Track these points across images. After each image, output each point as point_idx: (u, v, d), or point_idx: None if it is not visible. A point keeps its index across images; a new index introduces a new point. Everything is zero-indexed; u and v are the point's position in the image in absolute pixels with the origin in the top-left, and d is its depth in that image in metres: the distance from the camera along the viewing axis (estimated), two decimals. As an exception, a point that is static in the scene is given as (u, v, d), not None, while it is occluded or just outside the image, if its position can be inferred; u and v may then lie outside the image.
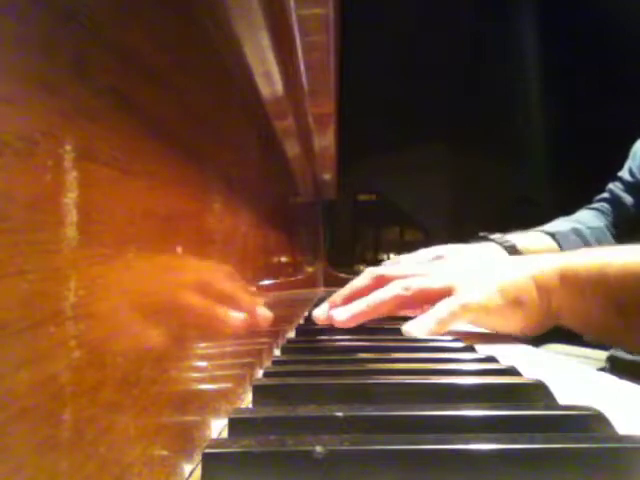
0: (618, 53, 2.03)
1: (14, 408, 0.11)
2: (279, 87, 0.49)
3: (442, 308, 0.49)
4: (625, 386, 0.35)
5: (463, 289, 0.50)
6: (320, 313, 0.53)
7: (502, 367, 0.35)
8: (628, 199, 0.84)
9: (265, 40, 0.39)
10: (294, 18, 0.41)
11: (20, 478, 0.12)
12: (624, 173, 0.86)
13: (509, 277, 0.51)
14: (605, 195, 0.90)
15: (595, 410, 0.24)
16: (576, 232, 0.82)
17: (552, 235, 0.81)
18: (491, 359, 0.38)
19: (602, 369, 0.75)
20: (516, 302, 0.50)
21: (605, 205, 0.89)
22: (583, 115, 2.13)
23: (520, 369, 0.34)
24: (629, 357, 0.71)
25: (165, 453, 0.20)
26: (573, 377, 0.38)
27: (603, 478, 0.20)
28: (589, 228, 0.84)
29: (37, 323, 0.12)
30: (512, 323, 0.51)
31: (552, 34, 2.35)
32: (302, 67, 0.51)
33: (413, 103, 2.35)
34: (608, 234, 0.86)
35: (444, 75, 2.45)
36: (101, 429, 0.15)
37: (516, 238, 0.77)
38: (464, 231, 0.96)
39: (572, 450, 0.20)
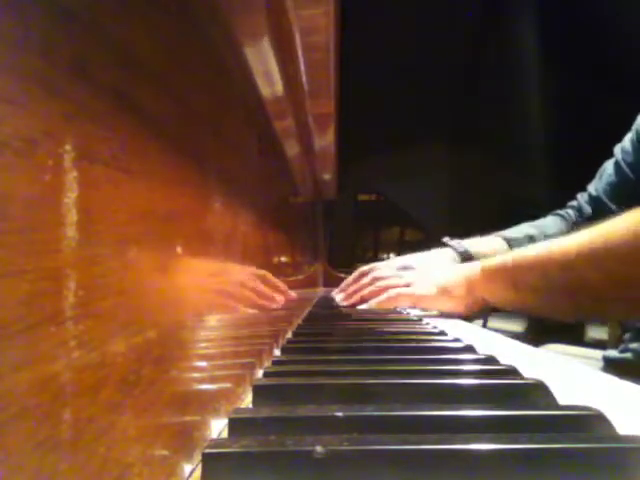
0: (618, 53, 2.03)
1: (14, 408, 0.11)
2: (279, 87, 0.49)
3: (384, 295, 0.81)
4: (625, 386, 0.35)
5: (414, 286, 0.81)
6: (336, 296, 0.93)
7: (502, 367, 0.35)
8: (587, 210, 0.94)
9: (265, 40, 0.39)
10: (294, 18, 0.41)
11: (20, 478, 0.12)
12: (590, 186, 0.94)
13: (447, 278, 0.78)
14: (573, 203, 1.00)
15: (595, 410, 0.24)
16: (530, 239, 0.94)
17: (508, 241, 0.95)
18: (491, 359, 0.38)
19: (602, 369, 0.77)
20: (445, 292, 0.77)
21: (570, 212, 1.00)
22: (583, 115, 2.13)
23: (520, 369, 0.34)
24: (619, 356, 0.79)
25: (165, 453, 0.20)
26: (573, 377, 0.38)
27: (603, 478, 0.20)
28: (546, 236, 0.93)
29: (37, 323, 0.12)
30: (443, 305, 0.79)
31: (552, 34, 2.35)
32: (302, 67, 0.51)
33: (413, 103, 2.35)
34: None
35: (444, 75, 2.45)
36: (101, 429, 0.15)
37: (471, 243, 0.96)
38: (464, 231, 0.98)
39: (572, 450, 0.20)
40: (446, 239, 0.97)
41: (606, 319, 0.65)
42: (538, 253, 0.63)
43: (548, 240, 0.63)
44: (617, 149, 0.86)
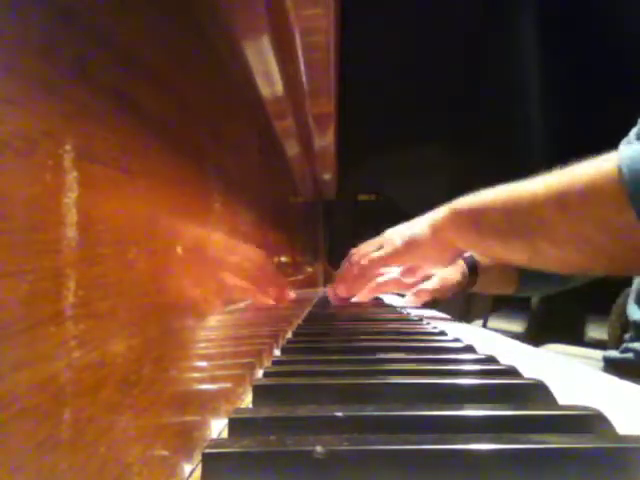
0: (618, 52, 2.03)
1: (14, 408, 0.11)
2: (279, 87, 0.49)
3: (358, 274, 0.80)
4: (625, 386, 0.35)
5: (383, 248, 0.77)
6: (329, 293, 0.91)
7: (502, 367, 0.35)
8: None
9: (265, 40, 0.39)
10: (294, 18, 0.41)
11: (20, 478, 0.12)
12: None
13: (412, 228, 0.74)
14: None
15: (595, 410, 0.24)
16: None
17: None
18: (491, 359, 0.38)
19: (603, 369, 0.77)
20: (412, 243, 0.73)
21: None
22: (584, 115, 2.13)
23: (520, 369, 0.34)
24: (619, 356, 0.78)
25: (165, 453, 0.20)
26: (573, 377, 0.38)
27: (603, 478, 0.20)
28: None
29: (37, 323, 0.12)
30: (413, 258, 0.75)
31: (552, 34, 2.35)
32: (302, 67, 0.51)
33: (413, 103, 2.35)
34: None
35: (444, 75, 2.45)
36: (101, 429, 0.15)
37: None
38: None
39: (572, 450, 0.20)
40: None
41: (561, 269, 0.63)
42: (503, 192, 0.60)
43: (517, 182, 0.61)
44: (623, 144, 0.86)
